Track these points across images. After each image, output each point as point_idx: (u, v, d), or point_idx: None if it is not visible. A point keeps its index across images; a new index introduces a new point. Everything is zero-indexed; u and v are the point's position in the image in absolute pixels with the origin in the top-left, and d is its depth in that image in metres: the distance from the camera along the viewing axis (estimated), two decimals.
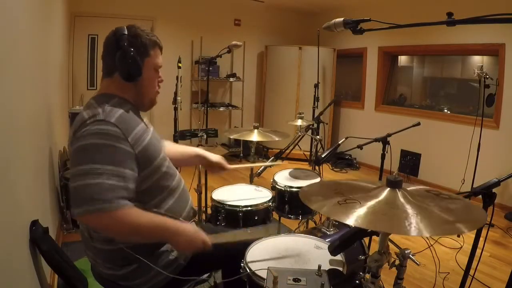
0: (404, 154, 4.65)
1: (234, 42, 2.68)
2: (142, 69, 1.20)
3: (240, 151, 5.41)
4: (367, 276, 1.15)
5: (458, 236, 2.90)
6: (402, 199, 1.03)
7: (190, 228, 1.20)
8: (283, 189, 2.19)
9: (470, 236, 2.70)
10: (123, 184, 1.06)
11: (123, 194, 1.06)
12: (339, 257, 1.30)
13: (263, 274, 1.15)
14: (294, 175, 2.43)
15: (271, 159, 2.24)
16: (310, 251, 1.41)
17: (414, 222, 0.92)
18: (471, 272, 1.51)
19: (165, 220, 1.16)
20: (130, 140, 1.11)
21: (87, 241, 1.23)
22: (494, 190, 1.31)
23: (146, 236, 1.13)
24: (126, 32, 1.18)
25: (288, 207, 2.18)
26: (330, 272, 1.16)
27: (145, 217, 1.10)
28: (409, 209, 0.98)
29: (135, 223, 1.07)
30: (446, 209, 1.01)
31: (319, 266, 1.14)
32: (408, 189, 1.10)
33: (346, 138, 2.17)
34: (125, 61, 1.16)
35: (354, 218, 0.96)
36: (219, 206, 1.92)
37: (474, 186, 2.81)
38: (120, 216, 1.03)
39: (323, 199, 1.10)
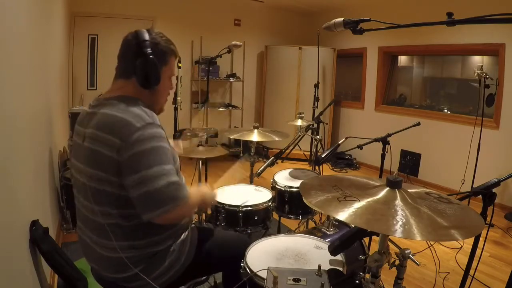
0: (404, 154, 4.65)
1: (234, 42, 2.68)
2: (161, 77, 1.20)
3: (240, 151, 5.41)
4: (367, 276, 1.15)
5: None
6: (401, 201, 1.03)
7: (207, 202, 1.38)
8: (283, 189, 2.19)
9: None
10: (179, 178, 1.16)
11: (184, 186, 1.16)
12: (339, 257, 1.30)
13: (263, 274, 1.15)
14: (294, 175, 2.44)
15: (271, 159, 2.24)
16: (310, 251, 1.41)
17: (410, 225, 0.92)
18: (471, 272, 1.51)
19: (199, 193, 1.31)
20: (167, 139, 1.17)
21: (88, 247, 1.22)
22: (494, 190, 1.30)
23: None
24: (148, 38, 1.17)
25: (288, 207, 2.18)
26: (330, 272, 1.16)
27: (194, 196, 1.24)
28: (407, 212, 0.97)
29: (194, 203, 1.25)
30: (444, 213, 1.00)
31: (319, 266, 1.14)
32: (408, 190, 1.10)
33: (346, 138, 2.17)
34: (146, 68, 1.16)
35: (352, 217, 0.96)
36: (219, 206, 1.92)
37: (474, 186, 2.81)
38: (187, 204, 1.15)
39: (322, 195, 1.10)
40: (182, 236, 1.31)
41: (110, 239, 1.13)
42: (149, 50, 1.16)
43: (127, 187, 1.07)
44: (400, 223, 0.92)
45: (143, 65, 1.16)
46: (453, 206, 1.07)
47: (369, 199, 1.04)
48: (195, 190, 1.27)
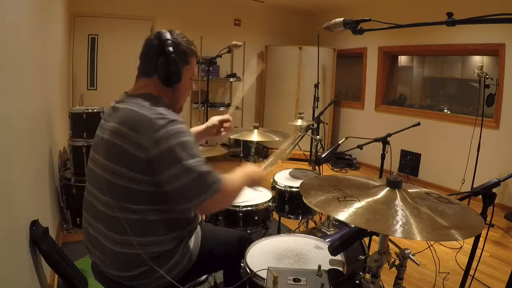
0: (404, 154, 4.65)
1: (234, 42, 2.67)
2: (182, 76, 1.24)
3: (240, 151, 5.41)
4: (367, 276, 1.15)
5: None
6: (401, 201, 1.03)
7: (255, 170, 1.37)
8: (283, 189, 2.19)
9: None
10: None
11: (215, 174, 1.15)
12: (339, 257, 1.30)
13: (263, 274, 1.15)
14: (294, 175, 2.43)
15: (271, 158, 2.24)
16: (310, 251, 1.41)
17: (410, 225, 0.91)
18: (471, 272, 1.51)
19: (243, 172, 1.30)
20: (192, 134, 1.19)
21: (95, 241, 1.21)
22: (494, 190, 1.30)
23: (241, 191, 1.27)
24: (170, 38, 1.21)
25: (288, 207, 2.18)
26: (330, 272, 1.16)
27: (236, 177, 1.24)
28: (407, 212, 0.97)
29: (237, 185, 1.23)
30: (444, 213, 1.00)
31: (319, 266, 1.14)
32: (408, 190, 1.10)
33: (346, 138, 2.17)
34: (167, 66, 1.19)
35: (352, 217, 0.96)
36: None
37: (474, 186, 2.81)
38: (226, 188, 1.15)
39: (322, 195, 1.10)
40: (188, 237, 1.30)
41: (123, 234, 1.13)
42: (171, 49, 1.19)
43: (161, 183, 1.09)
44: (400, 223, 0.92)
45: (165, 63, 1.19)
46: (453, 206, 1.07)
47: (369, 199, 1.04)
48: (239, 171, 1.29)
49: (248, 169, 1.34)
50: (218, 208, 1.27)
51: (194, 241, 1.32)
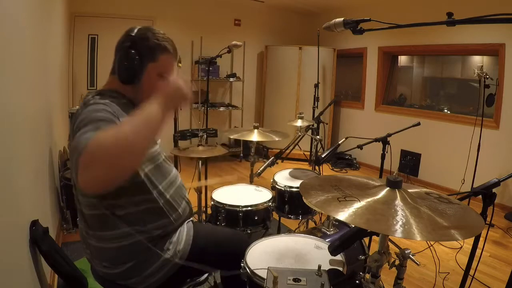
0: (404, 154, 4.65)
1: (234, 42, 2.67)
2: (141, 73, 1.17)
3: (240, 151, 5.41)
4: (367, 276, 1.15)
5: None
6: (401, 201, 1.03)
7: (166, 91, 1.04)
8: (283, 189, 2.19)
9: None
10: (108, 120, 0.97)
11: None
12: (339, 257, 1.30)
13: (263, 274, 1.15)
14: (294, 175, 2.44)
15: (271, 159, 2.24)
16: (310, 251, 1.41)
17: (410, 225, 0.91)
18: (471, 272, 1.51)
19: (140, 111, 0.92)
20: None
21: (85, 240, 1.23)
22: (494, 190, 1.30)
23: (140, 139, 0.86)
24: (133, 33, 1.16)
25: (288, 207, 2.18)
26: (330, 272, 1.16)
27: (122, 125, 0.88)
28: (407, 212, 0.97)
29: (116, 135, 0.82)
30: (444, 213, 1.00)
31: (319, 266, 1.14)
32: (408, 190, 1.10)
33: (346, 138, 2.17)
34: (121, 63, 1.16)
35: (352, 217, 0.96)
36: (219, 206, 1.92)
37: (474, 186, 2.81)
38: (96, 140, 0.79)
39: (322, 195, 1.10)
40: (177, 233, 1.29)
41: (100, 229, 1.15)
42: (128, 44, 1.15)
43: None
44: (400, 223, 0.92)
45: (120, 59, 1.16)
46: (453, 206, 1.07)
47: (369, 199, 1.04)
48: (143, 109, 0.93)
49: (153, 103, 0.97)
50: (99, 169, 0.77)
51: (185, 239, 1.30)
